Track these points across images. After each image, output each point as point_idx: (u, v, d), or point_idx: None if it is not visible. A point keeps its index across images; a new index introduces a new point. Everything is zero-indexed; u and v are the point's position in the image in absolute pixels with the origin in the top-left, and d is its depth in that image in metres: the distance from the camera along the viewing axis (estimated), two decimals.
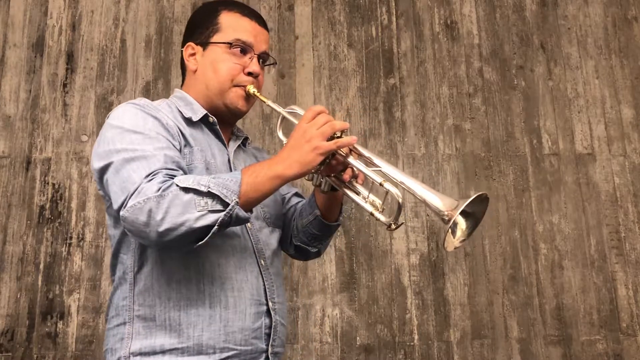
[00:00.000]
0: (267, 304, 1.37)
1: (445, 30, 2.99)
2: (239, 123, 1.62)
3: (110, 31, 2.84)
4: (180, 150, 1.33)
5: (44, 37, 2.80)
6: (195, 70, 1.50)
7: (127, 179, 1.21)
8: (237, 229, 1.36)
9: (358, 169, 1.34)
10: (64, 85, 2.75)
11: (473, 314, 2.65)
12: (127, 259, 1.34)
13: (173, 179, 1.20)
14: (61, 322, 2.50)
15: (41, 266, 2.54)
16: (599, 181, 2.85)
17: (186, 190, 1.17)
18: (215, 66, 1.45)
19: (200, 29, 1.50)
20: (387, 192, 1.28)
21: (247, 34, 1.47)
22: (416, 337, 2.61)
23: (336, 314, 2.61)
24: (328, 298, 2.62)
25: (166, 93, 2.73)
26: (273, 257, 1.46)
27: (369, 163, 1.34)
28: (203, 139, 1.43)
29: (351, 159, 1.33)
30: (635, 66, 3.01)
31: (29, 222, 2.59)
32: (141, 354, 1.27)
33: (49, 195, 2.62)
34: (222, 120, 1.49)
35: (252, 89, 1.46)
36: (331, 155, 1.32)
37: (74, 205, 2.62)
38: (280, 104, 1.52)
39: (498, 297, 2.68)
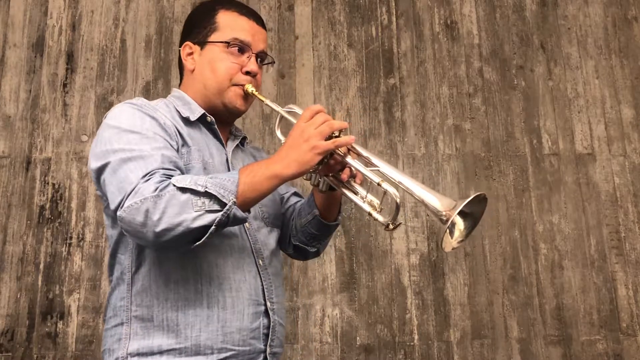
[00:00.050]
0: (265, 304, 1.37)
1: (445, 30, 2.98)
2: (238, 123, 1.62)
3: (110, 31, 2.84)
4: (177, 150, 1.33)
5: (44, 37, 2.80)
6: (193, 70, 1.49)
7: (124, 179, 1.21)
8: (235, 229, 1.35)
9: (356, 169, 1.33)
10: (64, 85, 2.75)
11: (473, 314, 2.65)
12: (125, 260, 1.34)
13: (170, 179, 1.19)
14: (61, 322, 2.50)
15: (41, 266, 2.54)
16: (599, 181, 2.85)
17: (183, 190, 1.16)
18: (213, 65, 1.45)
19: (197, 28, 1.50)
20: (385, 192, 1.28)
21: (244, 33, 1.47)
22: (416, 337, 2.61)
23: (336, 314, 2.61)
24: (328, 298, 2.62)
25: (166, 93, 2.72)
26: (271, 257, 1.45)
27: (367, 163, 1.34)
28: (201, 139, 1.43)
29: (349, 159, 1.33)
30: (635, 66, 3.01)
31: (29, 222, 2.59)
32: (139, 354, 1.27)
33: (49, 195, 2.62)
34: (220, 120, 1.49)
35: (250, 88, 1.46)
36: (329, 154, 1.31)
37: (74, 205, 2.62)
38: (280, 104, 1.52)
39: (498, 297, 2.68)
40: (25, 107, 2.71)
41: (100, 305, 2.51)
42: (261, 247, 1.42)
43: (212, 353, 1.27)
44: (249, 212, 1.26)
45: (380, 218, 1.32)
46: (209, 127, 1.48)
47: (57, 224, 2.59)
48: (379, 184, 1.28)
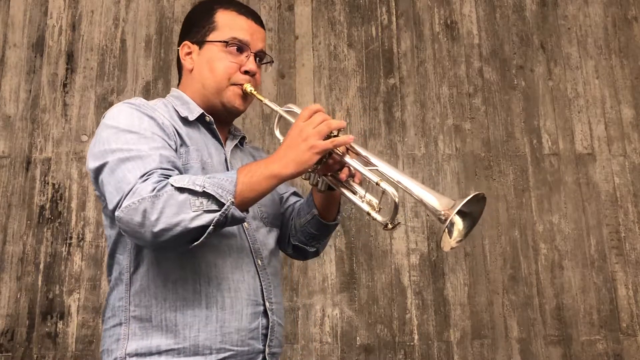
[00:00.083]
0: (264, 304, 1.36)
1: (445, 30, 2.98)
2: (238, 123, 1.61)
3: (110, 31, 2.84)
4: (176, 150, 1.33)
5: (44, 37, 2.80)
6: (192, 69, 1.49)
7: (122, 179, 1.20)
8: (233, 228, 1.35)
9: (355, 168, 1.33)
10: (64, 85, 2.75)
11: (473, 314, 2.65)
12: (123, 260, 1.34)
13: (168, 179, 1.19)
14: (61, 322, 2.50)
15: (41, 266, 2.54)
16: (599, 181, 2.84)
17: (181, 190, 1.16)
18: (212, 65, 1.45)
19: (196, 27, 1.50)
20: (384, 191, 1.27)
21: (243, 32, 1.46)
22: (416, 337, 2.61)
23: (336, 314, 2.61)
24: (328, 298, 2.62)
25: (166, 93, 2.68)
26: (270, 257, 1.45)
27: (366, 162, 1.33)
28: (199, 139, 1.43)
29: (348, 158, 1.32)
30: (635, 66, 3.00)
31: (29, 222, 2.59)
32: (137, 354, 1.27)
33: (49, 195, 2.62)
34: (219, 120, 1.49)
35: (249, 87, 1.46)
36: (328, 154, 1.31)
37: (74, 205, 2.62)
38: (280, 104, 1.52)
39: (498, 297, 2.67)
40: (25, 107, 2.71)
41: (100, 305, 2.51)
42: (260, 247, 1.41)
43: (210, 353, 1.27)
44: (247, 212, 1.26)
45: (379, 217, 1.32)
46: (207, 126, 1.47)
47: (57, 224, 2.59)
48: (377, 184, 1.27)
